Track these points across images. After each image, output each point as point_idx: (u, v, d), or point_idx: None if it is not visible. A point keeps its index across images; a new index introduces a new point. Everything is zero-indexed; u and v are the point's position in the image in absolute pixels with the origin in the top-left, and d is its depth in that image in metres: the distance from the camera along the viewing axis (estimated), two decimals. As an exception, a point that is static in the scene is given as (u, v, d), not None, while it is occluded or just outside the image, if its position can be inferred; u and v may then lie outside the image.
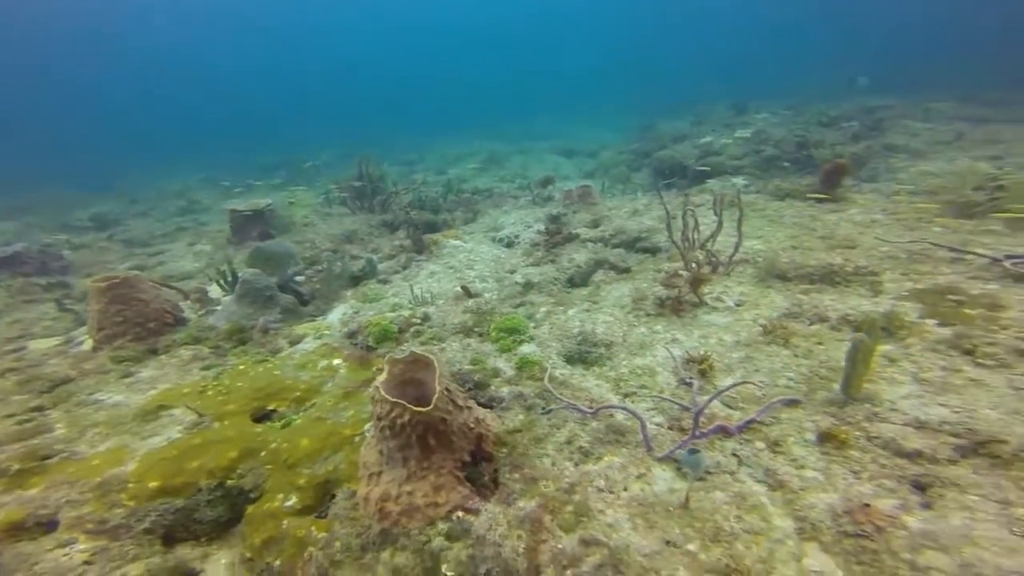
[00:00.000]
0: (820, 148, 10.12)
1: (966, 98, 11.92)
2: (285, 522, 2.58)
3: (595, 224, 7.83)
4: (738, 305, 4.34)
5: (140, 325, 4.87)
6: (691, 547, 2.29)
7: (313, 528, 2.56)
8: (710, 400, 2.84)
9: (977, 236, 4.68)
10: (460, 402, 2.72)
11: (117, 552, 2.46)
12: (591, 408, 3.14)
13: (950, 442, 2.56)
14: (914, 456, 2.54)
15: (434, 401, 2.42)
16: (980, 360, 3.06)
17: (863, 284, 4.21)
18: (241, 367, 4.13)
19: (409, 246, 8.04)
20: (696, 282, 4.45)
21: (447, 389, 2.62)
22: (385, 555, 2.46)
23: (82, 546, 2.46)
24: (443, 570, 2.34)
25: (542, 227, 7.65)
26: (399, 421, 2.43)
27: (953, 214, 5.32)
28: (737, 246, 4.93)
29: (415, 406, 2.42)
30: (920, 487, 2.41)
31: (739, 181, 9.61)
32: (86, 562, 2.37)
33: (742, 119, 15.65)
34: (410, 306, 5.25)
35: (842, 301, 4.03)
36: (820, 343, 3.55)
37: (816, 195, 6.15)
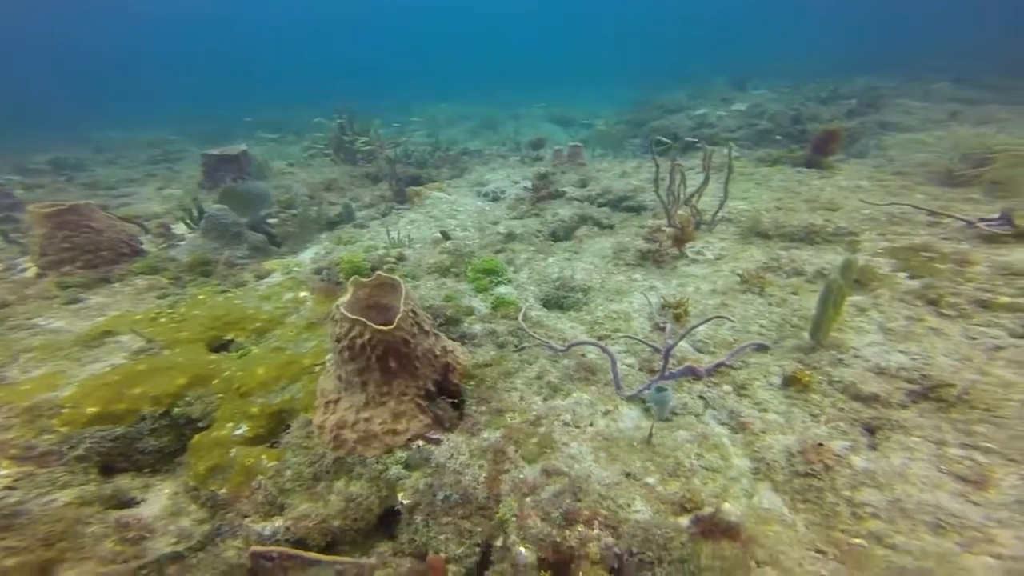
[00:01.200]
0: (815, 122, 9.98)
1: (961, 80, 11.88)
2: (233, 450, 2.46)
3: (583, 184, 7.63)
4: (718, 258, 4.29)
5: (91, 253, 4.53)
6: (650, 480, 2.30)
7: (263, 457, 2.45)
8: (681, 336, 2.80)
9: (958, 203, 4.70)
10: (427, 327, 2.60)
11: (45, 479, 2.30)
12: (563, 346, 3.07)
13: (904, 387, 2.61)
14: (870, 400, 2.59)
15: (397, 320, 2.29)
16: (943, 310, 3.11)
17: (841, 243, 4.20)
18: (200, 296, 3.89)
19: (390, 196, 7.71)
20: (679, 239, 4.37)
21: (413, 312, 2.48)
22: (339, 484, 2.38)
23: (4, 472, 2.28)
24: (399, 498, 2.29)
25: (529, 184, 7.41)
26: (358, 341, 2.29)
27: (937, 183, 5.33)
28: (722, 203, 4.84)
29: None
30: (871, 430, 2.47)
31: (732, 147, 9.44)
32: (8, 487, 2.19)
33: (740, 94, 15.31)
34: (385, 247, 5.03)
35: (819, 257, 4.02)
36: (794, 293, 3.55)
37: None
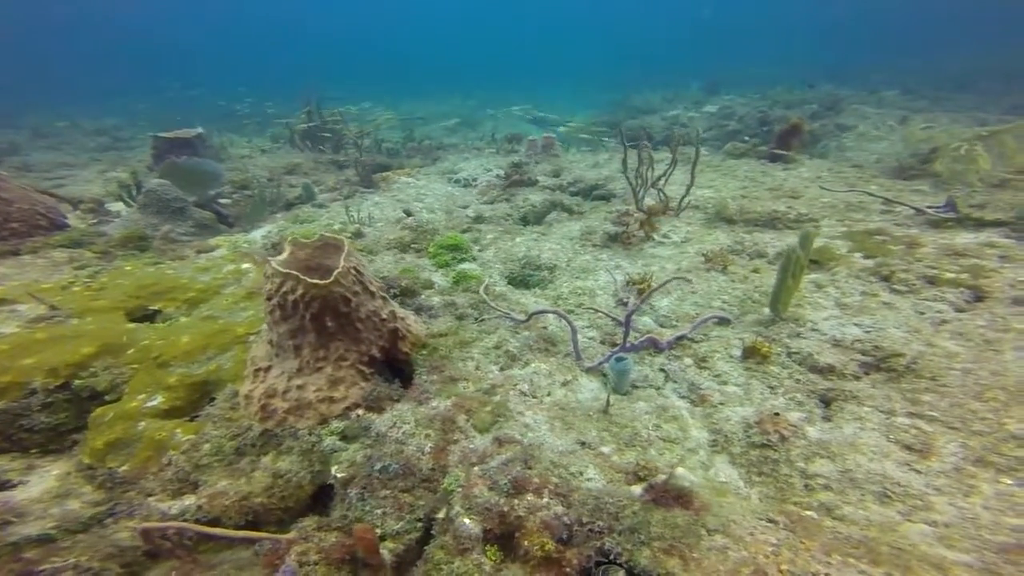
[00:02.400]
0: (781, 124, 10.35)
1: (908, 91, 12.74)
2: (142, 423, 2.16)
3: (555, 173, 7.57)
4: (684, 241, 4.28)
5: (-1, 223, 4.04)
6: (605, 449, 2.19)
7: (178, 431, 2.16)
8: (643, 300, 2.71)
9: (907, 194, 4.90)
10: (372, 289, 2.39)
11: None
12: (525, 316, 2.93)
13: (858, 359, 2.63)
14: (826, 371, 2.58)
15: (335, 275, 2.08)
16: (895, 285, 3.18)
17: (803, 228, 4.28)
18: (127, 267, 3.51)
19: (356, 181, 7.39)
20: (647, 224, 4.34)
21: (356, 270, 2.27)
22: (266, 460, 2.13)
23: None
24: (333, 472, 2.08)
25: (502, 172, 7.28)
26: (290, 297, 2.06)
27: (889, 175, 5.57)
28: (689, 188, 4.86)
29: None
30: (826, 401, 2.46)
31: (699, 126, 9.65)
32: None
33: (712, 98, 15.78)
34: (342, 224, 4.76)
35: (781, 240, 4.07)
36: (756, 271, 3.55)
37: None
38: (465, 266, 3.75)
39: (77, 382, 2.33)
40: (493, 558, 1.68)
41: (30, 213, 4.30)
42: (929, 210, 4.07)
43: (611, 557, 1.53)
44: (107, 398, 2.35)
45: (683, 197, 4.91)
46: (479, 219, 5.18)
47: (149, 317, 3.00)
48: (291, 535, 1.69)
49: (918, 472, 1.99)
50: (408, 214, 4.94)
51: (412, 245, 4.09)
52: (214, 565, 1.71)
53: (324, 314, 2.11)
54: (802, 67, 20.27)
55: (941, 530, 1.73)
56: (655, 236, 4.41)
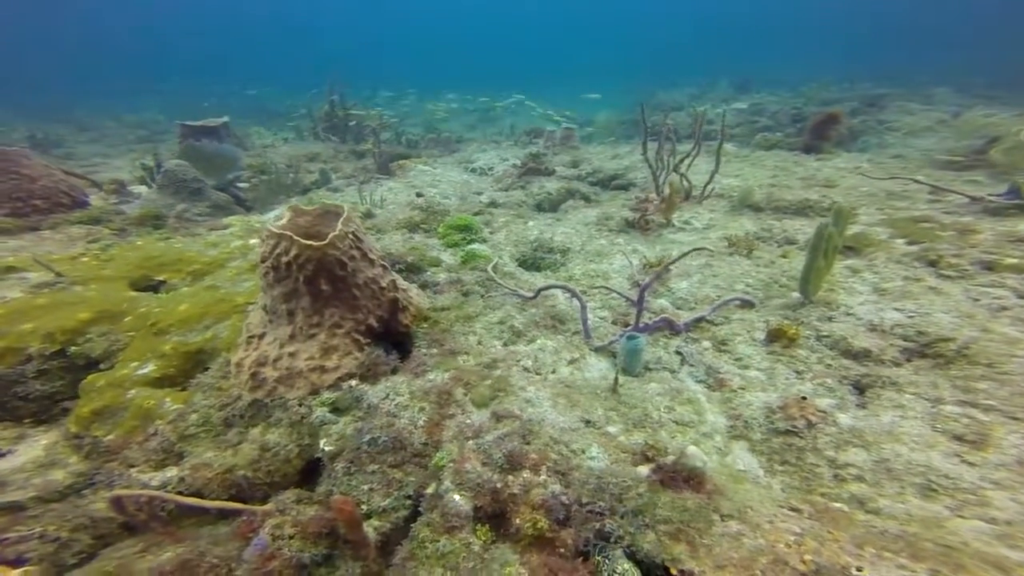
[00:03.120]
0: (817, 116, 9.80)
1: (961, 88, 11.94)
2: (132, 391, 2.10)
3: (574, 164, 7.39)
4: (706, 227, 4.03)
5: (21, 200, 4.15)
6: (611, 429, 2.02)
7: (168, 399, 2.09)
8: (658, 273, 2.51)
9: (960, 184, 4.49)
10: (372, 256, 2.28)
11: None
12: (532, 292, 2.78)
13: (899, 344, 2.37)
14: (861, 356, 2.33)
15: (331, 237, 1.98)
16: (943, 271, 2.87)
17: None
18: (139, 242, 3.54)
19: (373, 169, 7.41)
20: (667, 206, 4.11)
21: (355, 236, 2.17)
22: (255, 432, 2.04)
23: None
24: (321, 445, 1.97)
25: (518, 162, 7.15)
26: (284, 259, 1.97)
27: (938, 167, 5.13)
28: (713, 173, 4.59)
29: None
30: (860, 387, 2.22)
31: (728, 116, 9.25)
32: None
33: (742, 96, 15.19)
34: (352, 205, 4.71)
35: (812, 227, 3.77)
36: (784, 256, 3.29)
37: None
38: (475, 247, 3.62)
39: (73, 348, 2.31)
40: (483, 537, 1.53)
41: (53, 191, 4.42)
42: (989, 197, 3.69)
43: (612, 540, 1.36)
44: (102, 366, 2.32)
45: (707, 183, 4.65)
46: (493, 204, 5.06)
47: (153, 288, 2.99)
48: (267, 507, 1.59)
49: (971, 465, 1.75)
50: (419, 196, 4.86)
51: (422, 225, 4.00)
52: (189, 539, 1.63)
53: (318, 277, 2.02)
54: (841, 67, 19.26)
55: (1001, 528, 1.49)
56: (675, 222, 4.18)
